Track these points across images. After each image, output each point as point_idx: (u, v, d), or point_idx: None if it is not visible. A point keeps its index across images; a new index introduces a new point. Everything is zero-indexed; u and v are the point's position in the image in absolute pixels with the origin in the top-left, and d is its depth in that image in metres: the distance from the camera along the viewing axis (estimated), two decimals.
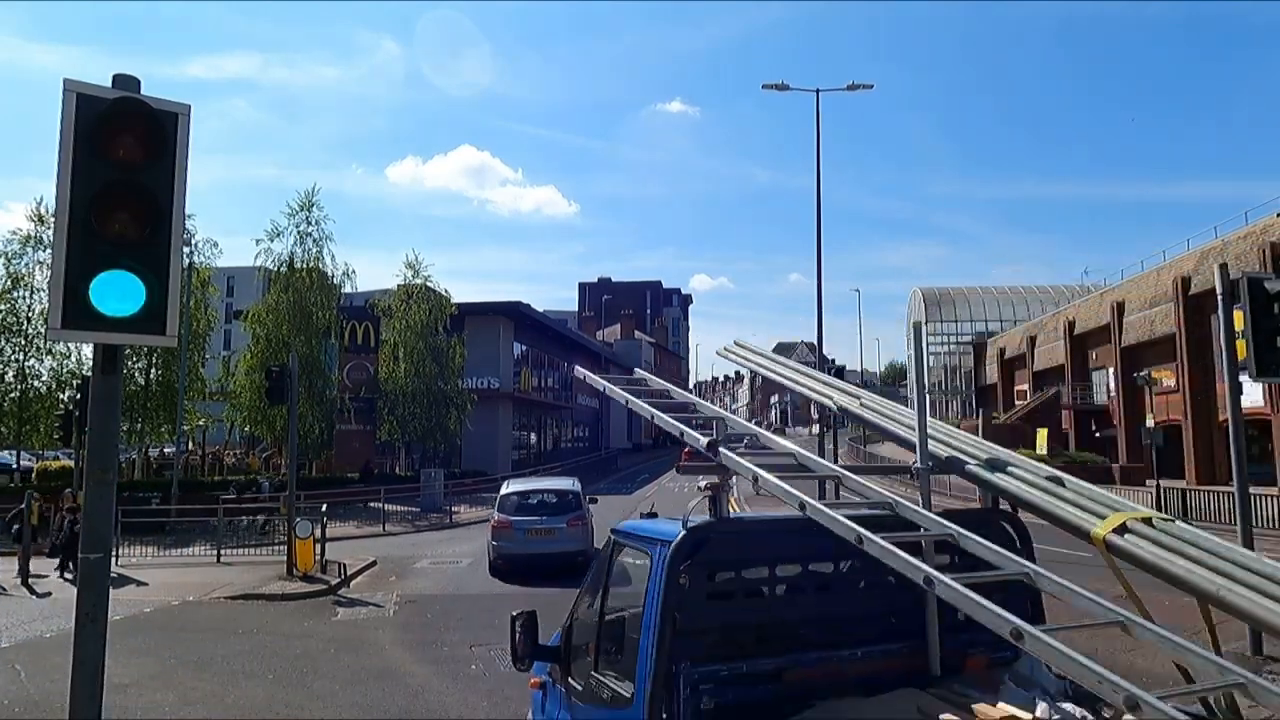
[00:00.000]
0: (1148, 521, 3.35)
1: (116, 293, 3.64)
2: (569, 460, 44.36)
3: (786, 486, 3.68)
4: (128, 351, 18.37)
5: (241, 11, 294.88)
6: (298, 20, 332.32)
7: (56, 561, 15.93)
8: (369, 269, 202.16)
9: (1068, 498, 3.69)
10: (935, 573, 2.78)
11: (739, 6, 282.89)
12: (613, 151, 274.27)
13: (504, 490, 16.60)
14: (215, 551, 18.00)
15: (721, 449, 4.00)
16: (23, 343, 26.67)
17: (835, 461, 8.94)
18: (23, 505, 16.43)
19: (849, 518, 3.29)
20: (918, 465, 4.00)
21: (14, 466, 29.11)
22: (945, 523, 3.38)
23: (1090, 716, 3.13)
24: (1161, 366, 35.40)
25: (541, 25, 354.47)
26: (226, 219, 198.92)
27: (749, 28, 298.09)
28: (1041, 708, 3.19)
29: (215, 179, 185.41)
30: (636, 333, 79.33)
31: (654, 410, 4.87)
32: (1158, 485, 22.43)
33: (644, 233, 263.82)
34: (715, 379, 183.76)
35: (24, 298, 26.74)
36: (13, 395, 26.52)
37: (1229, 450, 10.47)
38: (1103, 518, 3.44)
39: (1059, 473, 3.96)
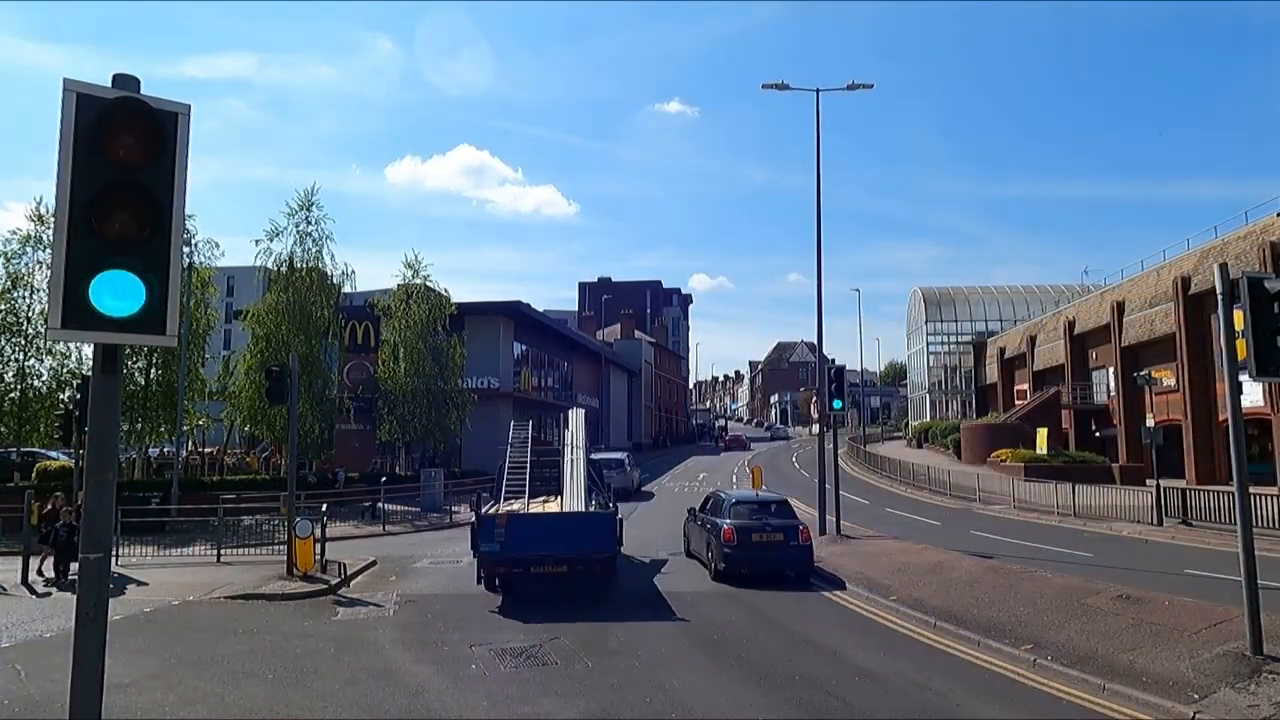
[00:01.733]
0: None
1: (116, 293, 3.64)
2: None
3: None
4: (128, 351, 18.38)
5: (237, 11, 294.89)
6: (294, 20, 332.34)
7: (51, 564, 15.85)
8: (369, 269, 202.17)
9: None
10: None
11: (736, 6, 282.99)
12: (612, 151, 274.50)
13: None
14: (215, 551, 18.00)
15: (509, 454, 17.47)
16: (23, 343, 26.67)
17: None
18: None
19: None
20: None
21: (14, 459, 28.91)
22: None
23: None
24: (1161, 366, 35.41)
25: (539, 25, 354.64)
26: (226, 219, 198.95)
27: (746, 27, 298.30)
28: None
29: (213, 179, 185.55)
30: (636, 332, 79.24)
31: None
32: (1158, 485, 22.40)
33: (643, 233, 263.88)
34: (715, 379, 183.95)
35: (24, 298, 26.75)
36: (13, 395, 26.52)
37: (1229, 450, 10.46)
38: None
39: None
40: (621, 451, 38.69)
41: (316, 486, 28.82)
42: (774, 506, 15.80)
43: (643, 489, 34.68)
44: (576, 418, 18.48)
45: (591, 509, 14.37)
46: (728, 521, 14.82)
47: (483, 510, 13.72)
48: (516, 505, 14.96)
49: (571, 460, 16.32)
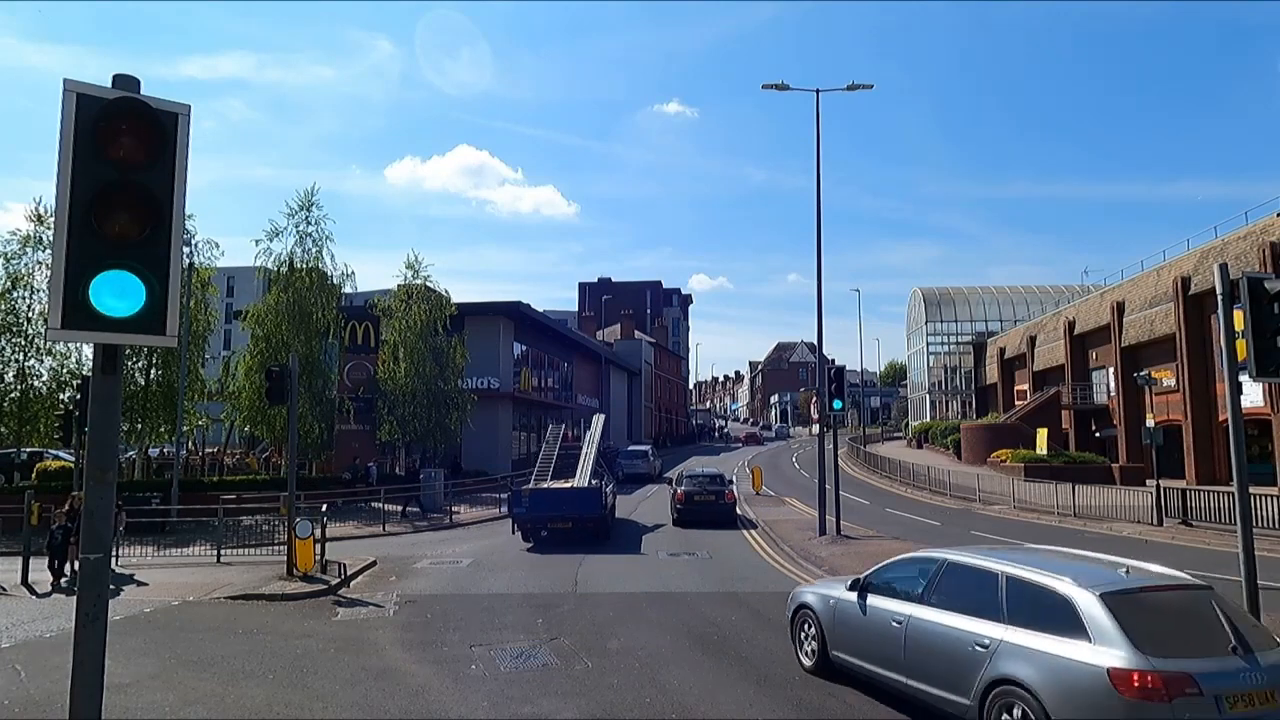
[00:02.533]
0: None
1: (116, 293, 3.64)
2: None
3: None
4: (128, 351, 18.37)
5: (235, 11, 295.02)
6: (292, 20, 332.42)
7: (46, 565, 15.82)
8: (369, 269, 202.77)
9: None
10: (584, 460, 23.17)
11: (736, 6, 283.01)
12: (611, 152, 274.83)
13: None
14: (215, 552, 17.99)
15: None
16: (23, 343, 26.64)
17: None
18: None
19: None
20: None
21: (18, 459, 28.91)
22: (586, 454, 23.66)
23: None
24: (1161, 366, 35.42)
25: (539, 25, 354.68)
26: (225, 219, 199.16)
27: (745, 27, 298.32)
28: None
29: (212, 179, 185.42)
30: (636, 333, 79.23)
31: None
32: (1158, 485, 22.41)
33: (643, 233, 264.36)
34: (715, 379, 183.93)
35: (24, 298, 26.71)
36: (13, 395, 26.49)
37: (1229, 450, 10.46)
38: None
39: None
40: (646, 445, 50.31)
41: (351, 483, 29.43)
42: (713, 478, 24.43)
43: (662, 475, 40.87)
44: (597, 422, 26.81)
45: (593, 485, 21.00)
46: (681, 488, 23.52)
47: (520, 487, 20.70)
48: (545, 484, 21.76)
49: (585, 453, 23.84)
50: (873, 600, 7.84)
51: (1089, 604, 5.87)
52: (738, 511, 24.12)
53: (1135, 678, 5.37)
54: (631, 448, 45.89)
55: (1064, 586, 6.16)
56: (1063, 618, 5.96)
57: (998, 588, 6.62)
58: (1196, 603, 6.14)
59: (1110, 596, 5.93)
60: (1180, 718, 5.26)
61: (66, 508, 16.27)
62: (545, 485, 21.43)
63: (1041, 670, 5.84)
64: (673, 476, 36.41)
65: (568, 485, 21.23)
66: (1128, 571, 6.66)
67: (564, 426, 27.60)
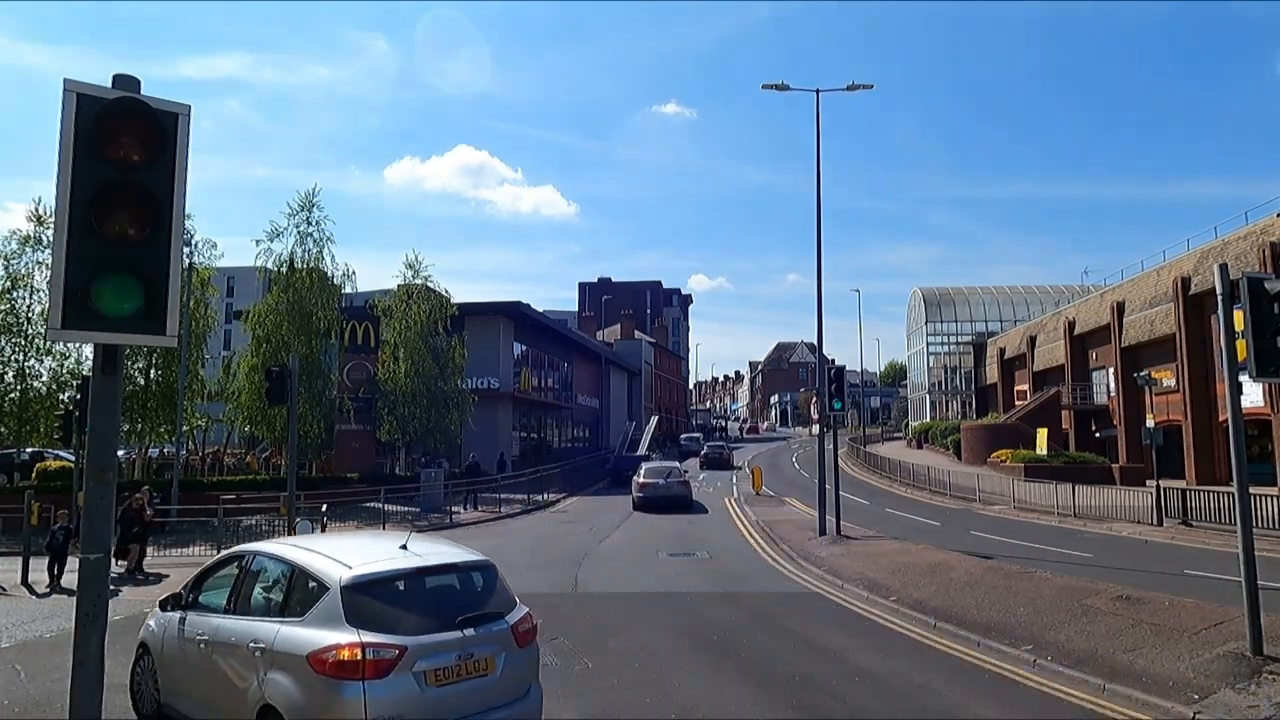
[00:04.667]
0: None
1: (116, 293, 3.64)
2: (570, 460, 44.49)
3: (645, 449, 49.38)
4: (127, 351, 18.35)
5: (232, 12, 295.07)
6: (289, 20, 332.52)
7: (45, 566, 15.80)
8: (369, 269, 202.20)
9: None
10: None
11: (735, 6, 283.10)
12: (610, 152, 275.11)
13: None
14: (215, 551, 17.96)
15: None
16: (23, 343, 26.63)
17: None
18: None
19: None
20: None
21: (19, 459, 28.84)
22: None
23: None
24: (1161, 366, 35.40)
25: (537, 25, 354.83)
26: (225, 219, 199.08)
27: (745, 27, 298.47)
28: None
29: (211, 179, 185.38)
30: (636, 333, 79.11)
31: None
32: (1158, 485, 22.39)
33: (642, 233, 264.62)
34: (715, 379, 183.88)
35: (24, 298, 26.70)
36: (13, 395, 26.48)
37: (1229, 450, 10.46)
38: None
39: None
40: (697, 434, 70.55)
41: (461, 477, 29.94)
42: (713, 437, 68.10)
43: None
44: (652, 420, 57.15)
45: (644, 454, 44.12)
46: (706, 450, 52.04)
47: (616, 454, 47.36)
48: (623, 453, 47.02)
49: (644, 438, 51.94)
50: None
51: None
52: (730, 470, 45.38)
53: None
54: (685, 435, 67.61)
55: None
56: None
57: None
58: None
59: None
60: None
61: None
62: (623, 454, 44.67)
63: None
64: (690, 465, 49.05)
65: (635, 454, 42.27)
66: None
67: (634, 424, 55.28)
